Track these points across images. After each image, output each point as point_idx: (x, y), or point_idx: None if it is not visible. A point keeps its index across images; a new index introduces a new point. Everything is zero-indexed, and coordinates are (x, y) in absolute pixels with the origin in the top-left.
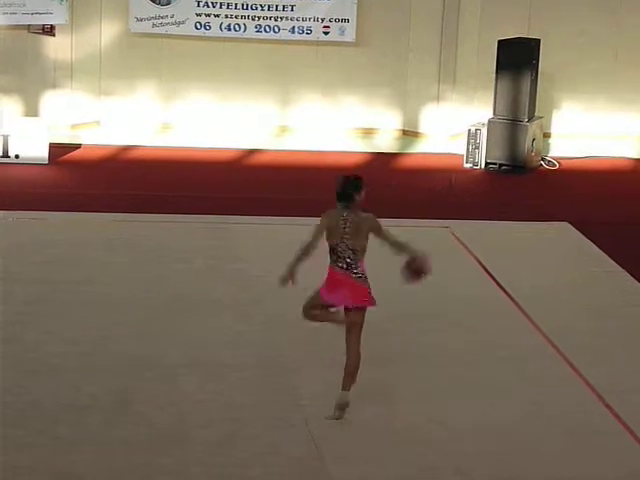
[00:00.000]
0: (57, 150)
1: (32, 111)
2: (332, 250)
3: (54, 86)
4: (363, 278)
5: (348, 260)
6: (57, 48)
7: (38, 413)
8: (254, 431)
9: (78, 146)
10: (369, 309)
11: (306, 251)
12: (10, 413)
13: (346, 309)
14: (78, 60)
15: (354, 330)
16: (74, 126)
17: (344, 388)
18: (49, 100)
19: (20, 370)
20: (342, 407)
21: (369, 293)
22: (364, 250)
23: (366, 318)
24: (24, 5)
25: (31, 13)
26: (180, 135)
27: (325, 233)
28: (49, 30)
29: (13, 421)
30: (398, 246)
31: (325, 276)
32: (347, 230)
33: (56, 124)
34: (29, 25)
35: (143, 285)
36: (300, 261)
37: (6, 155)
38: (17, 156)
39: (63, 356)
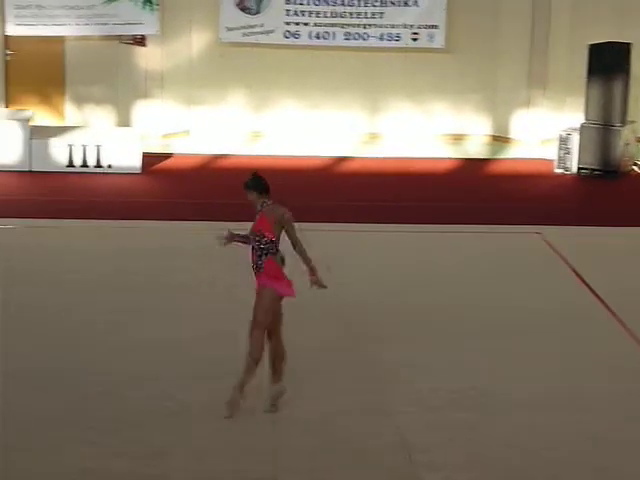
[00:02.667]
0: (149, 159)
1: (124, 121)
2: (275, 244)
3: (145, 96)
4: None
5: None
6: (148, 58)
7: (130, 420)
8: (346, 438)
9: (169, 155)
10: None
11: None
12: (104, 421)
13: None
14: (169, 70)
15: (281, 321)
16: (165, 135)
17: (279, 380)
18: (140, 110)
19: (112, 378)
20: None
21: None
22: None
23: None
24: (115, 16)
25: (122, 24)
26: (270, 143)
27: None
28: (140, 40)
29: (106, 428)
30: (301, 252)
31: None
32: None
33: (147, 134)
34: (120, 35)
35: (236, 293)
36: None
37: (99, 165)
38: (110, 166)
39: (154, 363)
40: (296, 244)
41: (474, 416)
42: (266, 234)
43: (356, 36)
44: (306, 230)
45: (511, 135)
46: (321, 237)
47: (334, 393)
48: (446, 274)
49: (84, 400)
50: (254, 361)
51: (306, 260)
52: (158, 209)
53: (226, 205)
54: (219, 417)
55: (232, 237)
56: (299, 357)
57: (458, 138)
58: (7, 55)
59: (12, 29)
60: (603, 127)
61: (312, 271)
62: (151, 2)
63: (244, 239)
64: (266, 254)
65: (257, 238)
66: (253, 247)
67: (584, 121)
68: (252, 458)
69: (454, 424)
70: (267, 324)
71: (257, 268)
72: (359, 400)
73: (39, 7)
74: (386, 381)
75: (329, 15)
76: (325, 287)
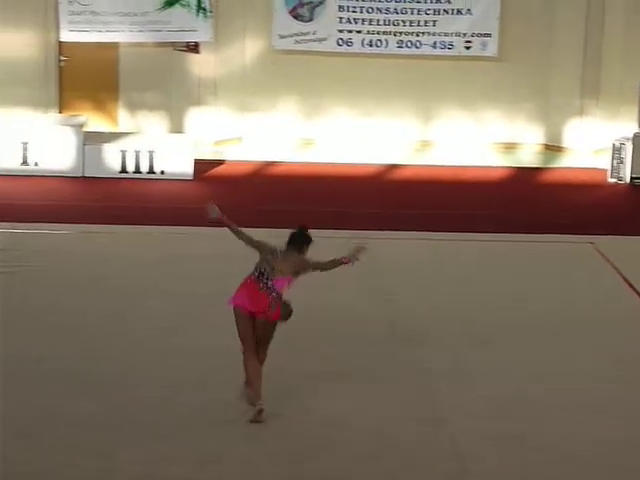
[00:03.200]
0: (201, 166)
1: (177, 127)
2: (256, 266)
3: (198, 103)
4: (270, 290)
5: (262, 271)
6: (201, 65)
7: (186, 427)
8: (399, 445)
9: (222, 162)
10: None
11: (236, 228)
12: (160, 426)
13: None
14: (222, 77)
15: (261, 345)
16: (218, 142)
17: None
18: (193, 116)
19: (169, 384)
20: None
21: (270, 305)
22: (284, 273)
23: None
24: (169, 23)
25: (176, 30)
26: (321, 150)
27: (260, 248)
28: (194, 47)
29: (163, 434)
30: (330, 265)
31: None
32: (276, 252)
33: (200, 140)
34: (174, 42)
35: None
36: (229, 225)
37: (152, 171)
38: (162, 172)
39: (210, 370)
40: (320, 268)
41: (526, 425)
42: None
43: (409, 44)
44: (357, 238)
45: (564, 144)
46: (371, 245)
47: (385, 400)
48: (496, 282)
49: (130, 405)
50: (250, 381)
51: (334, 264)
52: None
53: (277, 212)
54: (271, 422)
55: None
56: (348, 362)
57: (510, 147)
58: (61, 61)
59: (66, 35)
60: None
61: (345, 258)
62: (205, 9)
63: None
64: None
65: None
66: None
67: (637, 130)
68: (303, 464)
69: (506, 433)
70: (246, 342)
71: None
72: (410, 407)
73: (93, 13)
74: (436, 389)
75: (382, 23)
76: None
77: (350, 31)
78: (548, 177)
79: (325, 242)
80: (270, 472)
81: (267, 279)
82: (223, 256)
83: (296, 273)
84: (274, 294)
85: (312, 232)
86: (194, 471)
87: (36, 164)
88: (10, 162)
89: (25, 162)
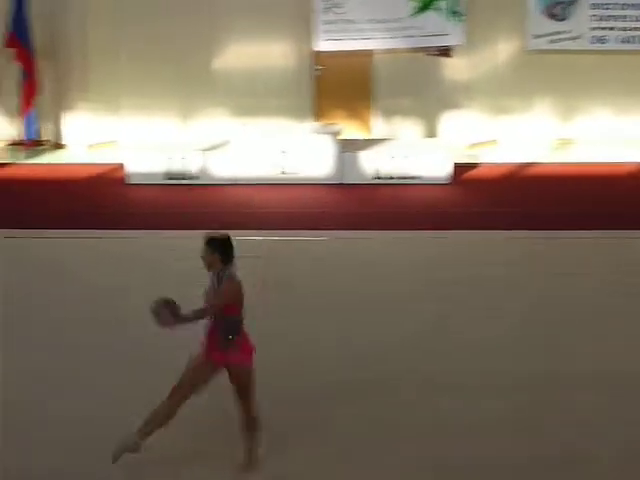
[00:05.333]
0: (456, 169)
1: (430, 132)
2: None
3: (451, 107)
4: None
5: None
6: (454, 69)
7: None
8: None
9: (477, 165)
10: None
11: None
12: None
13: None
14: (474, 80)
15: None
16: (472, 145)
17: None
18: (447, 121)
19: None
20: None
21: None
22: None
23: None
24: (422, 28)
25: (429, 35)
26: (579, 150)
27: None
28: (445, 51)
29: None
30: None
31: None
32: None
33: (455, 144)
34: (426, 47)
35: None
36: None
37: (407, 176)
38: (418, 177)
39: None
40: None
41: None
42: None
43: None
44: (623, 238)
45: None
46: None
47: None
48: None
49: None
50: None
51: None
52: (466, 219)
53: (538, 215)
54: (538, 427)
55: None
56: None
57: None
58: (316, 70)
59: (321, 44)
60: None
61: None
62: (458, 13)
63: None
64: None
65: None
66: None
67: None
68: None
69: None
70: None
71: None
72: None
73: (348, 21)
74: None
75: (636, 19)
76: None
77: (604, 28)
78: None
79: (572, 242)
80: None
81: None
82: (478, 259)
83: None
84: None
85: (570, 234)
86: None
87: (294, 172)
88: (270, 171)
89: (284, 171)
